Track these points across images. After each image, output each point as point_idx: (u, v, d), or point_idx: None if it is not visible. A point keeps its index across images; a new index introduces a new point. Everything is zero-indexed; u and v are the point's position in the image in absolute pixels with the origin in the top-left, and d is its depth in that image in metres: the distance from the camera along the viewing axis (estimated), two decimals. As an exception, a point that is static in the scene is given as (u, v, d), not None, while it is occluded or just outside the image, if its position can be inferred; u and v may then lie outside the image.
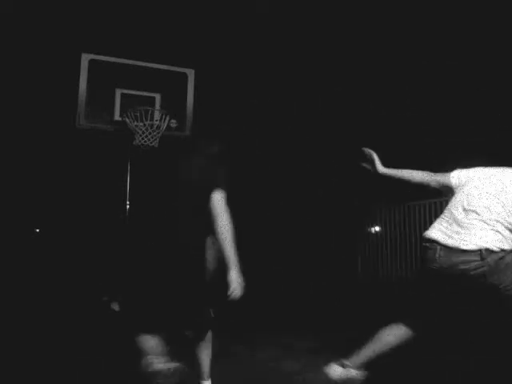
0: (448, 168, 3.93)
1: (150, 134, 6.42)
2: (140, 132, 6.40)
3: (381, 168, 4.02)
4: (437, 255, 3.19)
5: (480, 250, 3.04)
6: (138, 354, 4.60)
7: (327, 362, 4.25)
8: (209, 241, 3.25)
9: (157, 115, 6.53)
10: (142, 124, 6.38)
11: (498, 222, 3.11)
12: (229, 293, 3.04)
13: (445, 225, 3.36)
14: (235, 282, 3.02)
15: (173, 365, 3.03)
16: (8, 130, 8.15)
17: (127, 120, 6.44)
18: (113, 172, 7.22)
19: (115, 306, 6.42)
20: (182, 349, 3.28)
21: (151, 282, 3.09)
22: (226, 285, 3.09)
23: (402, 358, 3.58)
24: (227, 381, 3.83)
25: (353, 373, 3.48)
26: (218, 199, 3.14)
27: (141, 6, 9.18)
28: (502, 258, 3.03)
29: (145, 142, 6.42)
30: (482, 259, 3.02)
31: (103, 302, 6.56)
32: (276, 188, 10.65)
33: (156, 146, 6.52)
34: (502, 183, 3.32)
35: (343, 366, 3.52)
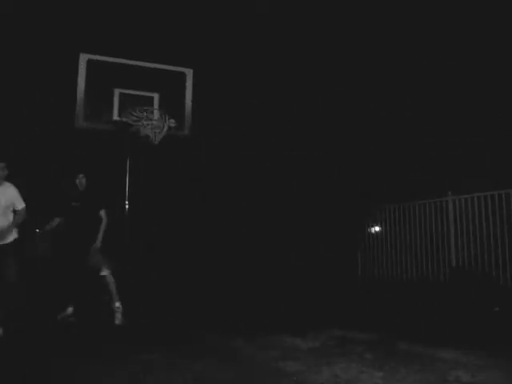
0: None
1: (151, 128, 6.49)
2: (144, 124, 6.45)
3: None
4: None
5: None
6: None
7: (327, 362, 4.26)
8: None
9: (155, 115, 6.53)
10: (140, 124, 6.40)
11: None
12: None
13: None
14: None
15: None
16: (7, 130, 8.14)
17: (127, 119, 6.45)
18: (112, 172, 7.22)
19: (115, 306, 6.40)
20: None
21: None
22: None
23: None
24: (227, 381, 3.82)
25: None
26: None
27: (139, 6, 9.17)
28: None
29: (150, 134, 6.48)
30: None
31: (104, 302, 6.55)
32: (276, 188, 10.64)
33: (156, 143, 6.55)
34: None
35: None
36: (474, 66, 10.50)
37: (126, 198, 6.81)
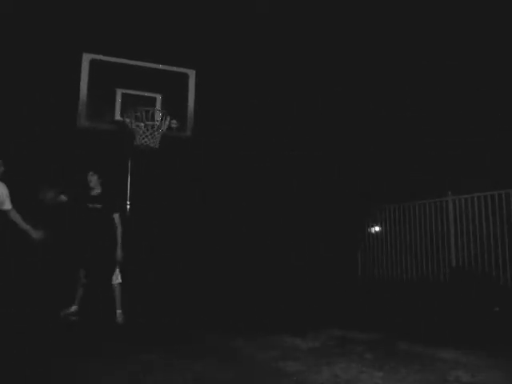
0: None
1: (150, 134, 6.43)
2: (140, 132, 6.41)
3: None
4: None
5: None
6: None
7: (327, 362, 4.27)
8: None
9: (157, 115, 6.53)
10: (142, 124, 6.39)
11: None
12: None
13: None
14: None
15: None
16: (9, 130, 8.15)
17: (127, 120, 6.45)
18: (113, 172, 7.23)
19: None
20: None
21: None
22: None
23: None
24: (227, 381, 3.84)
25: None
26: None
27: (142, 6, 9.18)
28: None
29: (145, 142, 6.44)
30: None
31: (104, 301, 6.57)
32: (276, 188, 10.65)
33: (156, 146, 6.54)
34: None
35: None
36: (473, 66, 10.51)
37: (128, 199, 6.83)
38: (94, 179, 6.28)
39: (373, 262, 10.59)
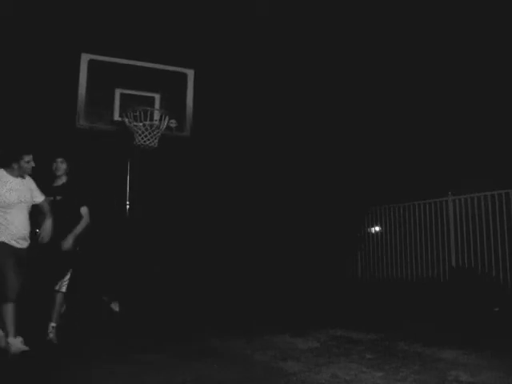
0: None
1: (149, 133, 6.42)
2: (139, 132, 6.40)
3: None
4: None
5: None
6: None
7: (327, 362, 4.26)
8: None
9: (156, 115, 6.52)
10: (141, 124, 6.37)
11: None
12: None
13: None
14: None
15: None
16: (8, 130, 8.15)
17: (126, 120, 6.43)
18: (113, 172, 7.22)
19: (115, 306, 6.41)
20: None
21: None
22: None
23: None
24: (227, 381, 3.83)
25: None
26: None
27: (141, 6, 9.18)
28: None
29: (144, 141, 6.42)
30: None
31: (103, 302, 6.55)
32: (276, 189, 10.65)
33: (155, 145, 6.52)
34: None
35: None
36: (473, 66, 10.51)
37: (127, 199, 6.80)
38: (62, 167, 5.40)
39: (373, 262, 10.58)
